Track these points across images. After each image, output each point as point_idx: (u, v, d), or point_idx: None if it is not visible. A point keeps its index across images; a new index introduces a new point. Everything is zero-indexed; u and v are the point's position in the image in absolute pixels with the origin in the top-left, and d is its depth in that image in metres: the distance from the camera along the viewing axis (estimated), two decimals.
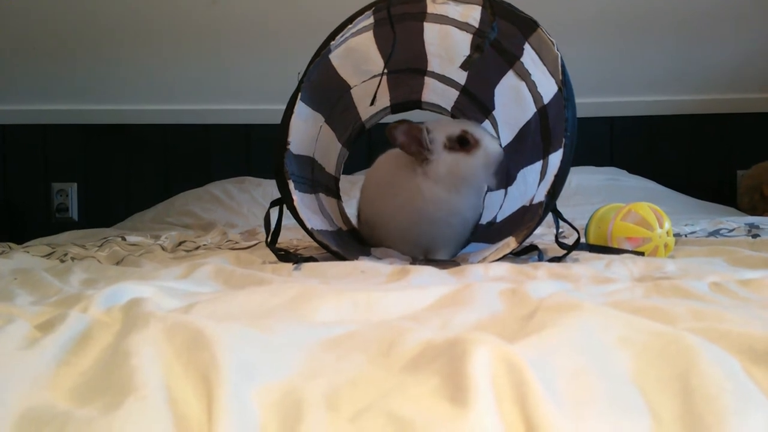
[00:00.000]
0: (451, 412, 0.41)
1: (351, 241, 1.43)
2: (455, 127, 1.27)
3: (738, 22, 2.72)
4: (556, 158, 1.13)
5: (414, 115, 1.65)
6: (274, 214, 1.24)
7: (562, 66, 1.11)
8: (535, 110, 1.26)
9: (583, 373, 0.46)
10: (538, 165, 1.25)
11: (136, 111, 2.92)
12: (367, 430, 0.41)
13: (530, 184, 1.28)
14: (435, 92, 1.52)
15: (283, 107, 1.18)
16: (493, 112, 1.43)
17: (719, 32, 2.74)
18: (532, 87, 1.24)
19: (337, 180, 1.59)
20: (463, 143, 1.25)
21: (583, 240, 1.34)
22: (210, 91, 2.90)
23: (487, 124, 1.47)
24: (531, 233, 1.12)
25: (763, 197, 2.54)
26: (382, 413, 0.42)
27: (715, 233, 1.55)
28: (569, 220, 1.21)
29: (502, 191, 1.46)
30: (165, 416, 0.41)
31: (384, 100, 1.53)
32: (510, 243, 1.11)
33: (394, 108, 1.57)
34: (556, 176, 1.09)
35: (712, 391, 0.42)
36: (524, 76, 1.25)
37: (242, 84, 2.87)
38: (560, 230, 1.23)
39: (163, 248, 1.55)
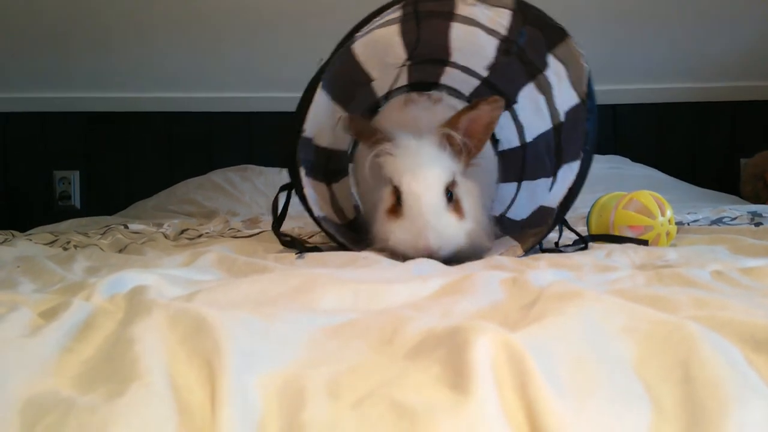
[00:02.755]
0: (453, 399, 0.41)
1: (358, 235, 1.42)
2: (402, 175, 1.08)
3: (742, 10, 2.71)
4: (568, 170, 1.11)
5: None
6: (282, 199, 1.24)
7: (589, 78, 1.08)
8: (551, 126, 1.25)
9: (584, 362, 0.46)
10: (547, 181, 1.25)
11: (137, 99, 2.91)
12: (369, 417, 0.41)
13: (539, 194, 1.27)
14: (454, 79, 1.50)
15: (286, 95, 1.18)
16: (515, 107, 1.40)
17: (723, 20, 2.73)
18: (551, 102, 1.22)
19: (348, 155, 1.57)
20: (448, 197, 1.08)
21: (583, 228, 1.34)
22: (212, 78, 2.89)
23: (506, 115, 1.44)
24: (539, 242, 1.12)
25: (766, 185, 2.53)
26: (383, 401, 0.42)
27: (717, 221, 1.55)
28: (574, 214, 1.21)
29: (515, 184, 1.44)
30: (168, 403, 0.42)
31: (402, 79, 1.51)
32: (516, 250, 1.11)
33: (412, 87, 1.55)
34: (571, 189, 1.08)
35: (713, 379, 0.42)
36: (545, 90, 1.23)
37: (244, 71, 2.87)
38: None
39: (165, 236, 1.56)
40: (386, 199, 1.10)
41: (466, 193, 1.11)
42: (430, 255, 1.02)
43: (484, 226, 1.14)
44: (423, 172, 1.06)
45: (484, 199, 1.17)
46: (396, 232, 1.06)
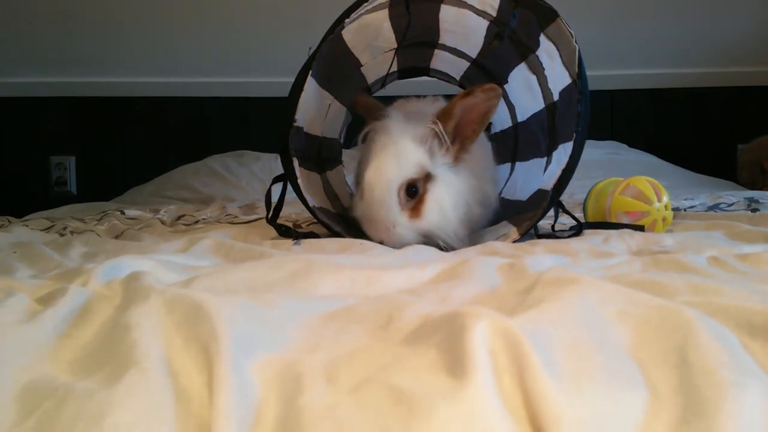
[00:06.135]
0: (450, 384, 0.41)
1: (353, 225, 1.42)
2: (368, 161, 1.08)
3: None
4: (562, 152, 1.12)
5: (421, 83, 1.62)
6: (275, 190, 1.24)
7: (579, 59, 1.08)
8: (543, 106, 1.25)
9: (581, 347, 0.46)
10: (540, 161, 1.25)
11: (134, 84, 2.90)
12: (367, 402, 0.41)
13: (533, 175, 1.27)
14: (444, 62, 1.50)
15: (283, 79, 1.17)
16: (506, 87, 1.40)
17: (721, 6, 2.72)
18: (543, 82, 1.22)
19: (340, 143, 1.57)
20: (409, 193, 1.07)
21: (580, 214, 1.34)
22: (209, 63, 2.88)
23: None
24: (534, 225, 1.12)
25: (763, 171, 2.53)
26: (381, 385, 0.42)
27: (714, 207, 1.55)
28: (570, 200, 1.21)
29: (508, 165, 1.44)
30: (165, 389, 0.42)
31: (394, 65, 1.50)
32: (511, 234, 1.11)
33: (402, 73, 1.55)
34: (564, 170, 1.07)
35: (709, 364, 0.42)
36: (537, 70, 1.23)
37: (241, 56, 2.85)
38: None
39: (162, 222, 1.55)
40: (361, 178, 1.12)
41: (444, 190, 1.09)
42: (380, 243, 1.05)
43: (452, 228, 1.09)
44: (382, 164, 1.06)
45: (470, 196, 1.13)
46: (357, 210, 1.12)
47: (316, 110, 1.28)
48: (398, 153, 1.06)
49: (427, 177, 1.07)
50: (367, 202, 1.08)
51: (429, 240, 1.08)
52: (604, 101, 2.88)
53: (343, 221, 1.26)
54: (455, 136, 1.10)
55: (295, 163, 1.14)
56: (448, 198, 1.09)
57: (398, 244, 1.04)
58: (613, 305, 0.52)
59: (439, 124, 1.07)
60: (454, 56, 1.44)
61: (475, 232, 1.20)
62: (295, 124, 1.14)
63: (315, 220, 1.21)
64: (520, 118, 1.39)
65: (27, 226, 1.42)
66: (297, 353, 0.48)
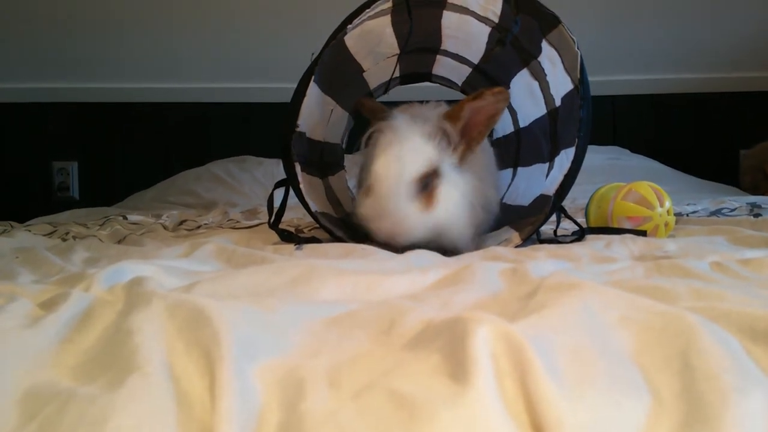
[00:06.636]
0: (452, 389, 0.41)
1: (355, 230, 1.42)
2: (377, 155, 1.07)
3: (741, 0, 2.70)
4: (564, 158, 1.12)
5: (423, 88, 1.63)
6: (278, 195, 1.24)
7: (581, 65, 1.08)
8: (545, 112, 1.25)
9: (583, 352, 0.46)
10: (543, 166, 1.25)
11: (136, 89, 2.90)
12: (369, 407, 0.41)
13: (535, 180, 1.27)
14: (446, 67, 1.50)
15: (285, 85, 1.17)
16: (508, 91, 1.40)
17: (722, 10, 2.72)
18: (545, 88, 1.23)
19: (342, 148, 1.57)
20: (419, 187, 1.05)
21: (582, 219, 1.34)
22: (211, 69, 2.88)
23: None
24: (536, 230, 1.12)
25: (766, 176, 2.53)
26: (383, 390, 0.42)
27: (716, 212, 1.55)
28: (573, 205, 1.20)
29: (510, 170, 1.45)
30: (167, 394, 0.42)
31: (397, 71, 1.51)
32: (513, 239, 1.11)
33: (404, 79, 1.55)
34: (566, 176, 1.08)
35: (712, 370, 0.42)
36: (539, 76, 1.23)
37: (243, 62, 2.86)
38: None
39: (164, 227, 1.55)
40: (367, 177, 1.09)
41: (452, 188, 1.08)
42: (389, 239, 1.03)
43: (460, 227, 1.09)
44: (394, 156, 1.04)
45: (474, 197, 1.12)
46: (362, 207, 1.06)
47: (319, 115, 1.28)
48: (408, 147, 1.05)
49: (435, 174, 1.06)
50: (375, 196, 1.04)
51: (436, 239, 1.07)
52: (606, 106, 2.88)
53: (345, 226, 1.26)
54: (462, 137, 1.10)
55: (298, 168, 1.14)
56: (459, 197, 1.08)
57: (408, 239, 1.03)
58: (615, 310, 0.52)
59: (450, 128, 1.07)
60: (456, 62, 1.44)
61: (477, 237, 1.19)
62: (298, 129, 1.15)
63: (317, 225, 1.21)
64: (522, 124, 1.39)
65: (29, 231, 1.42)
66: (299, 358, 0.48)
